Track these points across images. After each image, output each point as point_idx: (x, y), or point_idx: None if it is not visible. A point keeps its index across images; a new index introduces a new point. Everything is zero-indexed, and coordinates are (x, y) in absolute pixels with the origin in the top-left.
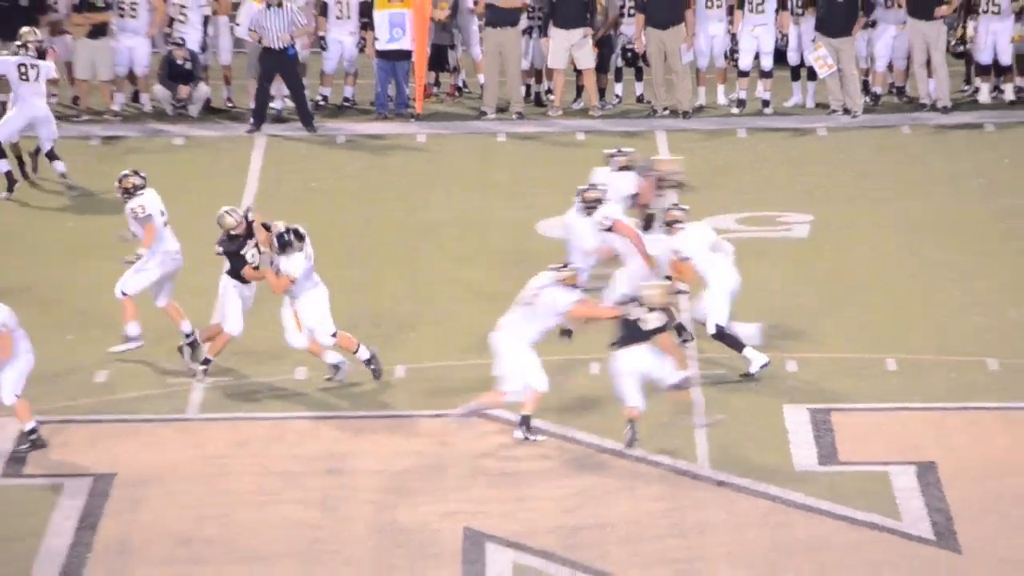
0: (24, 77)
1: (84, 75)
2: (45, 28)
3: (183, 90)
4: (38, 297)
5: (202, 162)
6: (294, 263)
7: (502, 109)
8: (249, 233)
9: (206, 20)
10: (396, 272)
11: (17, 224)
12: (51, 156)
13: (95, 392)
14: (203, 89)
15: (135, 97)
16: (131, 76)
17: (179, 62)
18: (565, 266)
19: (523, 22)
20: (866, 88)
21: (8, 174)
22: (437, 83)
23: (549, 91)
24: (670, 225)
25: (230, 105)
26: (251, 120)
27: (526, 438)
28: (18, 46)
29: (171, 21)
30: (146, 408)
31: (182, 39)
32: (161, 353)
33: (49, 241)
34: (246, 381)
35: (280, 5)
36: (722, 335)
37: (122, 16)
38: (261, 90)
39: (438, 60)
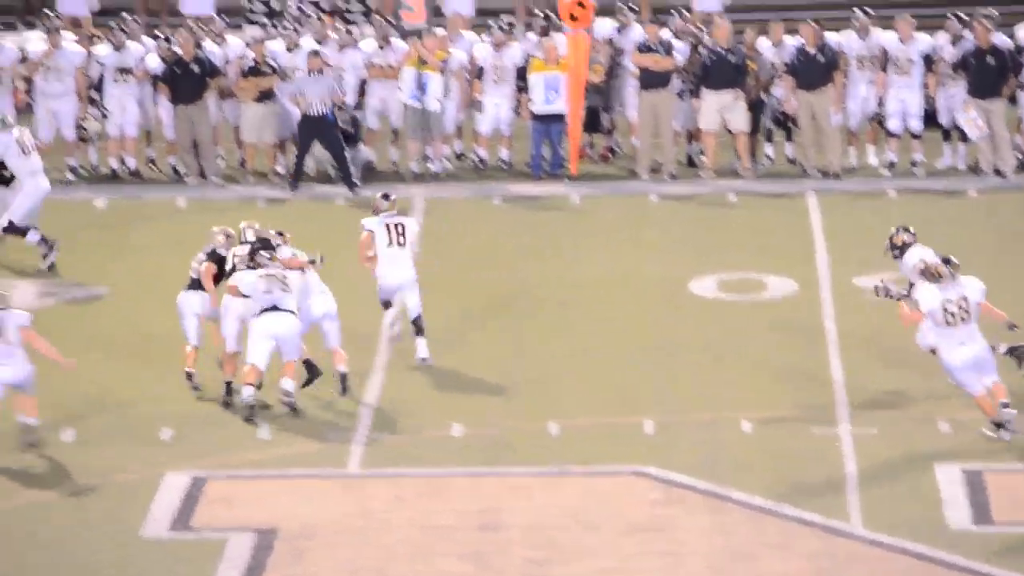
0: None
1: (251, 138)
2: (215, 92)
3: None
4: (203, 353)
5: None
6: (246, 277)
7: (655, 170)
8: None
9: (363, 83)
10: (550, 329)
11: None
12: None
13: (259, 448)
14: (363, 151)
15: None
16: (294, 138)
17: (341, 125)
18: None
19: (676, 84)
20: (1019, 150)
21: (43, 240)
22: (591, 145)
23: (701, 152)
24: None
25: (394, 166)
26: (290, 182)
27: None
28: None
29: None
30: (308, 463)
31: (343, 102)
32: (319, 409)
33: None
34: (405, 437)
35: (321, 71)
36: None
37: (285, 80)
38: (301, 154)
39: (592, 122)
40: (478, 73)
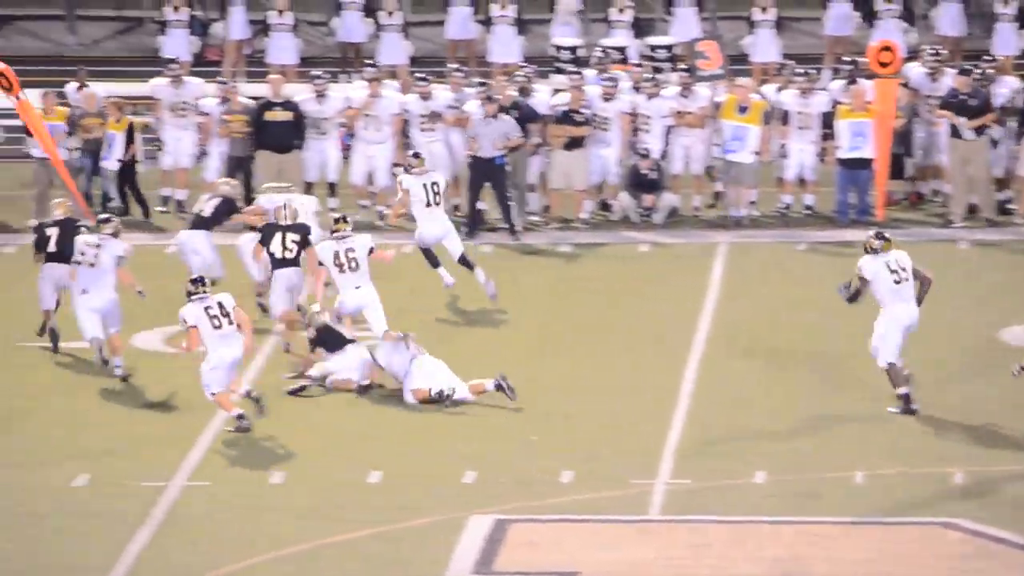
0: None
1: (559, 184)
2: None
3: (648, 199)
4: (501, 398)
5: (665, 269)
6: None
7: (967, 216)
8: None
9: (668, 130)
10: (852, 377)
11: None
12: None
13: (561, 492)
14: (668, 198)
15: (603, 206)
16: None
17: (644, 171)
18: None
19: (996, 131)
20: None
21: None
22: (902, 192)
23: (1009, 200)
24: None
25: (696, 213)
26: (466, 228)
27: None
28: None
29: (635, 131)
30: (609, 508)
31: (647, 149)
32: (620, 454)
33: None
34: (708, 483)
35: (496, 117)
36: None
37: (594, 127)
38: (473, 198)
39: (895, 168)
40: (783, 118)
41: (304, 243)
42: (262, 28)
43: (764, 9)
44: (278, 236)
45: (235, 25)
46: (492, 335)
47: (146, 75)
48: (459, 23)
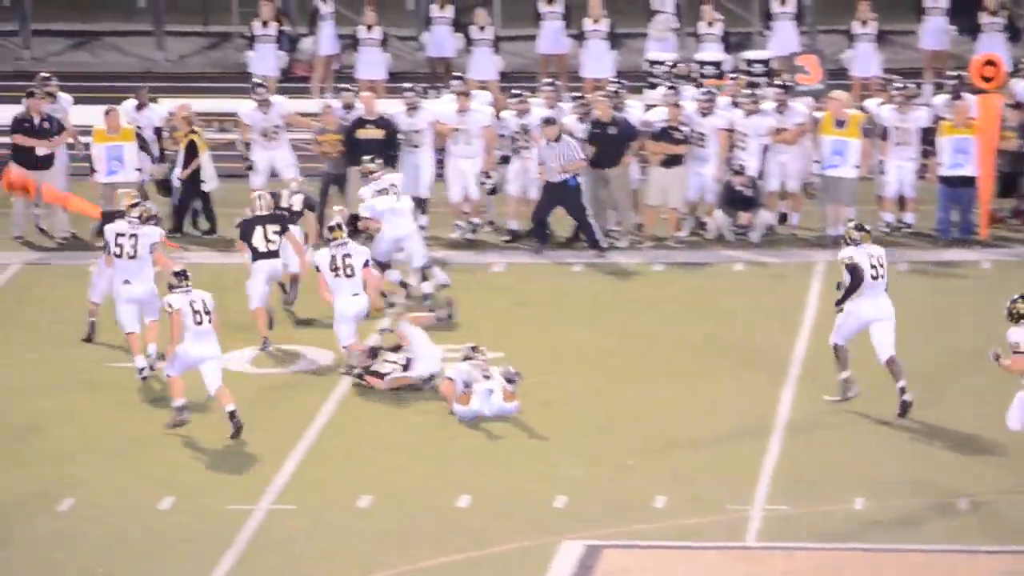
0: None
1: (655, 201)
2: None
3: (744, 217)
4: (589, 421)
5: (761, 288)
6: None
7: None
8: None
9: (765, 148)
10: (952, 395)
11: None
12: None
13: (655, 517)
14: (764, 216)
15: (698, 224)
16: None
17: (739, 188)
18: None
19: None
20: None
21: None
22: (1007, 209)
23: None
24: None
25: (792, 230)
26: (537, 245)
27: None
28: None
29: (732, 147)
30: (704, 534)
31: (742, 166)
32: (717, 482)
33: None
34: (804, 509)
35: (558, 140)
36: None
37: (692, 143)
38: (540, 216)
39: (1006, 187)
40: (883, 134)
41: (283, 231)
42: (351, 43)
43: (864, 22)
44: (259, 229)
45: (324, 40)
46: (584, 356)
47: (233, 91)
48: (551, 37)
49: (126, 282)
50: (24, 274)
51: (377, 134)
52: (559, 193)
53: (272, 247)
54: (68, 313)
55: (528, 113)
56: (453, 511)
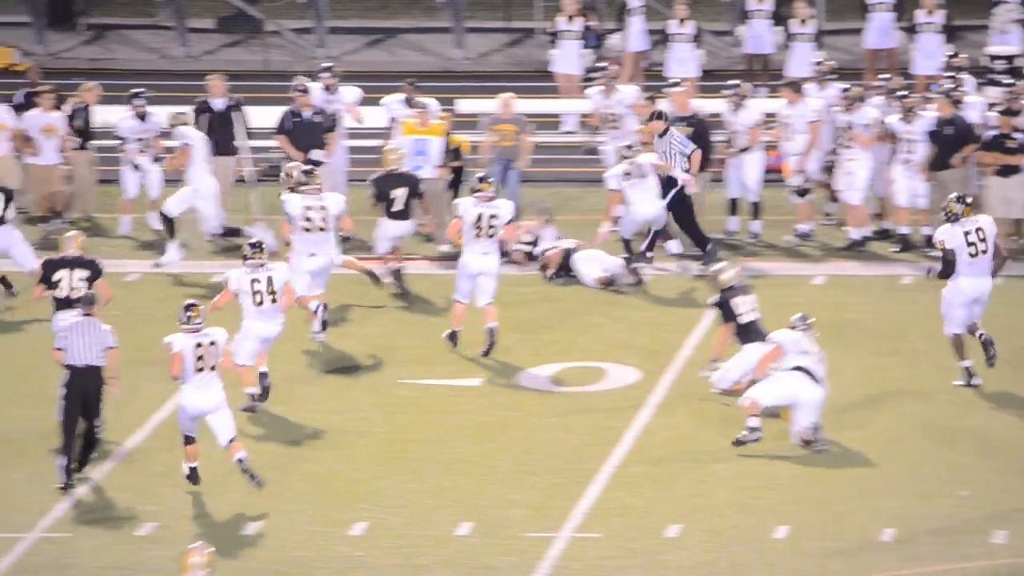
0: None
1: (999, 213)
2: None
3: None
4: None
5: None
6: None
7: None
8: None
9: None
10: None
11: None
12: None
13: (992, 552)
14: None
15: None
16: None
17: None
18: None
19: None
20: None
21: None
22: None
23: None
24: None
25: None
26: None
27: None
28: None
29: None
30: None
31: None
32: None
33: None
34: None
35: (664, 135)
36: None
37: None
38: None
39: None
40: None
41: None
42: (661, 39)
43: None
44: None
45: (633, 36)
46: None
47: (534, 90)
48: (879, 31)
49: (311, 255)
50: None
51: (687, 133)
52: (669, 188)
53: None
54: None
55: (858, 110)
56: (769, 543)
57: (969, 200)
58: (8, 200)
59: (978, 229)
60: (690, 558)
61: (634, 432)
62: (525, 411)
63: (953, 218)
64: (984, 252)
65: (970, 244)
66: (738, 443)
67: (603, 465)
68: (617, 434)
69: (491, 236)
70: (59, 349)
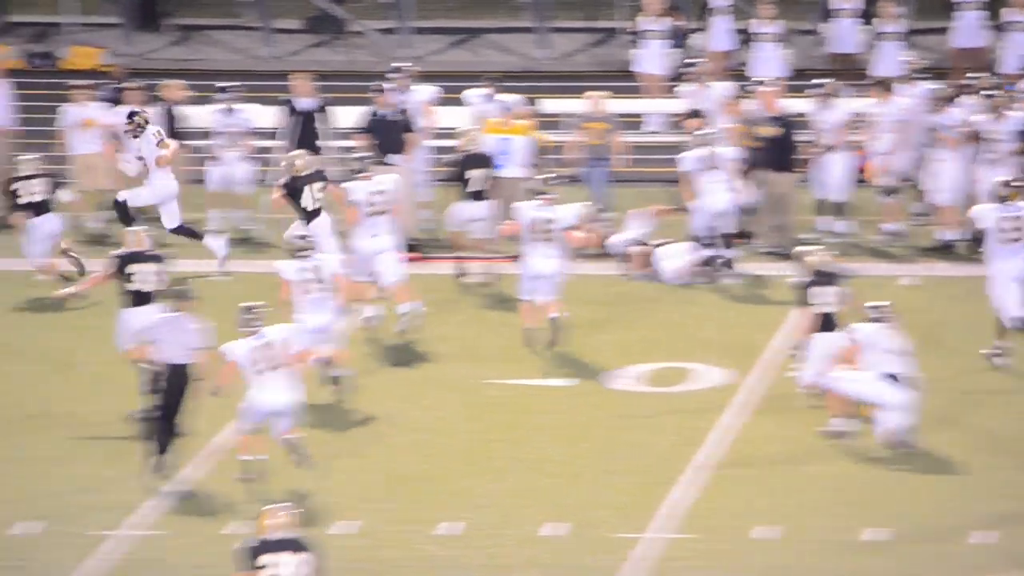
0: None
1: None
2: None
3: None
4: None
5: None
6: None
7: None
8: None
9: None
10: None
11: None
12: None
13: None
14: None
15: None
16: None
17: None
18: None
19: None
20: None
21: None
22: None
23: None
24: None
25: None
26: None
27: None
28: None
29: None
30: None
31: None
32: None
33: None
34: None
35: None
36: None
37: None
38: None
39: None
40: None
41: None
42: (746, 38)
43: None
44: (306, 189)
45: (718, 35)
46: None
47: (617, 90)
48: (968, 30)
49: (374, 236)
50: None
51: (773, 133)
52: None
53: (320, 205)
54: None
55: (946, 111)
56: (858, 546)
57: (1018, 184)
58: (55, 188)
59: (1016, 216)
60: (777, 560)
61: (721, 432)
62: (612, 411)
63: (998, 199)
64: (1017, 240)
65: (1002, 230)
66: (831, 436)
67: (690, 466)
68: (704, 434)
69: (548, 240)
70: (145, 344)
